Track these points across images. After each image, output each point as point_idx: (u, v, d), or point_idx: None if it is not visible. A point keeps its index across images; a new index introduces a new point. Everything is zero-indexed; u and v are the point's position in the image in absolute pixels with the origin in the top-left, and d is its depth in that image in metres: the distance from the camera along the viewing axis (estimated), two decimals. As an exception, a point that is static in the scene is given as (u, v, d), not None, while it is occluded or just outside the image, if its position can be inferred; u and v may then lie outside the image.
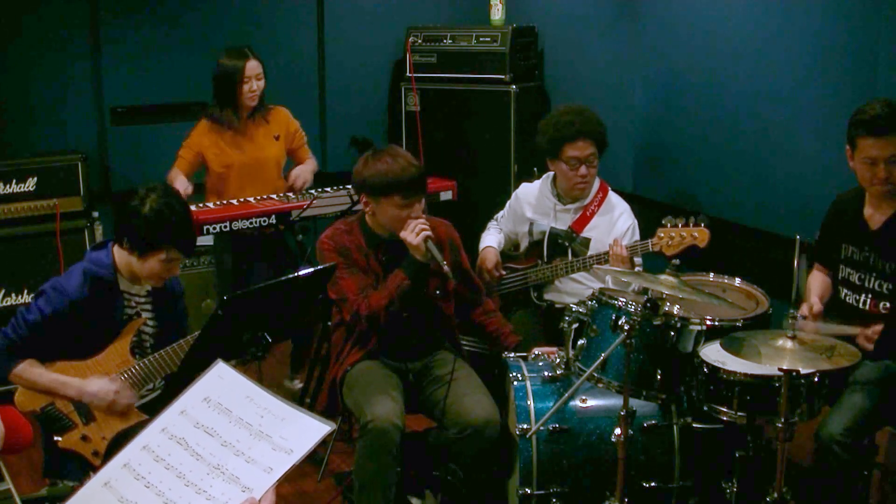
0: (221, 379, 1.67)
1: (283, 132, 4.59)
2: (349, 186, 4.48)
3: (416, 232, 3.29)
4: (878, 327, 3.03)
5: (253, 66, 4.39)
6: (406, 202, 3.32)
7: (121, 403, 2.99)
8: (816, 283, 3.43)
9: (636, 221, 3.99)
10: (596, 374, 3.12)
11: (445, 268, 3.28)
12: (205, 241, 4.48)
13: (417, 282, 3.37)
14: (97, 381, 2.99)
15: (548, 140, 3.91)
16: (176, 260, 3.03)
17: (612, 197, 4.03)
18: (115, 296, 3.06)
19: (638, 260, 3.87)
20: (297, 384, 4.66)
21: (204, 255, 4.94)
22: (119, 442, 2.91)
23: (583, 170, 3.86)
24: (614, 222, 3.95)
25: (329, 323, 3.72)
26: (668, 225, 3.67)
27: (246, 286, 3.91)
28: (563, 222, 3.98)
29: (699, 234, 3.63)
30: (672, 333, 3.09)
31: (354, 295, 3.36)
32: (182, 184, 4.31)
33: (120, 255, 3.05)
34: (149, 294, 3.16)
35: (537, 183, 4.12)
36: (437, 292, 3.45)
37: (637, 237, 3.91)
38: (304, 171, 4.62)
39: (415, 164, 3.35)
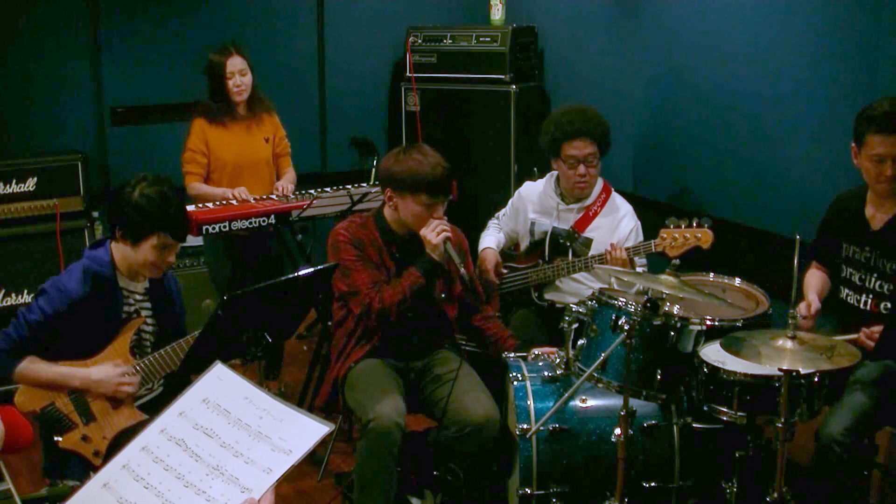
0: (220, 380, 1.68)
1: (272, 136, 4.65)
2: (349, 186, 4.50)
3: (436, 231, 3.31)
4: (879, 327, 3.03)
5: (235, 63, 4.42)
6: (432, 202, 3.33)
7: (125, 389, 2.99)
8: (814, 280, 3.42)
9: (640, 223, 3.98)
10: (596, 374, 3.11)
11: (462, 270, 3.29)
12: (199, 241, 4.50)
13: (429, 281, 3.37)
14: (102, 367, 3.00)
15: (549, 138, 3.91)
16: (170, 247, 3.03)
17: (616, 198, 4.02)
18: (115, 293, 3.06)
19: (642, 261, 3.87)
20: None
21: (202, 254, 4.94)
22: (120, 442, 2.91)
23: (581, 169, 3.85)
24: (618, 223, 3.94)
25: (329, 322, 3.71)
26: (672, 226, 3.65)
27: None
28: (566, 221, 3.97)
29: (702, 236, 3.61)
30: (672, 333, 3.09)
31: (367, 288, 3.35)
32: (237, 192, 4.41)
33: (117, 250, 3.05)
34: (147, 292, 3.16)
35: (541, 182, 4.11)
36: (443, 295, 3.46)
37: (641, 238, 3.90)
38: (288, 186, 4.66)
39: (444, 166, 3.35)
